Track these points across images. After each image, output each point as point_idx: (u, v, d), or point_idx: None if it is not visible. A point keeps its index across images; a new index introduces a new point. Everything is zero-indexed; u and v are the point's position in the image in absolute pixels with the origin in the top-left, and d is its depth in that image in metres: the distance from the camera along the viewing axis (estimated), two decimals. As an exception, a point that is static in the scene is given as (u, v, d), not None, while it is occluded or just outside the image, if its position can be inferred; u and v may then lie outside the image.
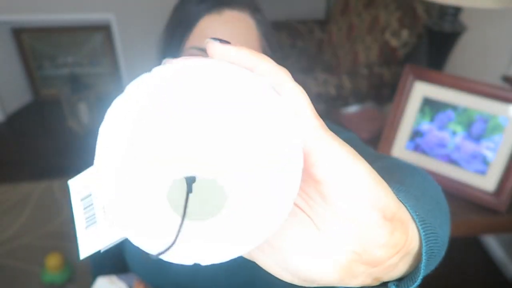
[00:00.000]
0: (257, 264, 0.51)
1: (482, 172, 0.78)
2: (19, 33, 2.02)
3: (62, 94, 2.02)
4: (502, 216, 0.78)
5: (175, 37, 0.48)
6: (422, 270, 0.20)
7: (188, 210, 0.16)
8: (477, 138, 0.78)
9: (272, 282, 0.50)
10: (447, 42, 0.95)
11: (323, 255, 0.18)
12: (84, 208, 0.23)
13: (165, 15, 0.57)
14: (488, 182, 0.78)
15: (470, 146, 0.79)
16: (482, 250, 1.38)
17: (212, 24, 0.46)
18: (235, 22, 0.46)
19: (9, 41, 2.02)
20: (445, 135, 0.82)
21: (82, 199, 0.24)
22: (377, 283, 0.20)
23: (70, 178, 1.69)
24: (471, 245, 1.39)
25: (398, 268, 0.19)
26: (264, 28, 0.49)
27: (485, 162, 0.78)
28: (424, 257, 0.20)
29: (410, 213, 0.20)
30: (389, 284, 0.21)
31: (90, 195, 0.24)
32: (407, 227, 0.19)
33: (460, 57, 1.20)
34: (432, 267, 0.22)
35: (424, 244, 0.20)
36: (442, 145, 0.82)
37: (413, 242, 0.19)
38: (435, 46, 0.97)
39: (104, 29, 2.01)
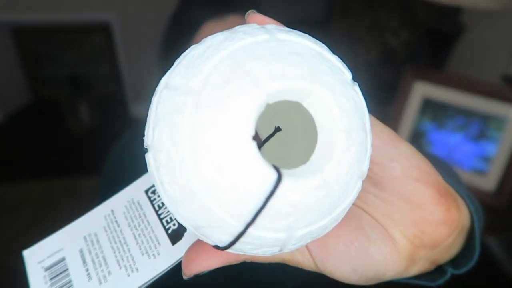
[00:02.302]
0: (260, 266, 0.50)
1: (482, 172, 0.78)
2: (19, 33, 2.01)
3: (62, 94, 2.02)
4: (502, 216, 0.78)
5: (176, 42, 0.48)
6: (477, 246, 0.20)
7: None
8: (477, 138, 0.78)
9: (276, 284, 0.50)
10: (447, 42, 0.95)
11: (388, 248, 0.17)
12: (51, 279, 0.20)
13: (166, 15, 0.57)
14: (488, 182, 0.78)
15: (470, 146, 0.79)
16: (483, 251, 1.37)
17: (215, 29, 0.45)
18: None
19: (9, 41, 2.02)
20: (445, 135, 0.82)
21: (47, 269, 0.21)
22: (433, 267, 0.20)
23: (70, 178, 1.69)
24: (471, 245, 1.39)
25: (453, 247, 0.19)
26: None
27: (485, 162, 0.78)
28: (477, 232, 0.19)
29: (455, 189, 0.19)
30: (445, 268, 0.20)
31: (64, 259, 0.21)
32: (458, 202, 0.18)
33: (460, 57, 1.20)
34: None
35: (476, 219, 0.19)
36: (442, 145, 0.82)
37: (465, 218, 0.19)
38: (435, 46, 0.97)
39: (104, 29, 2.01)
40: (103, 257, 0.20)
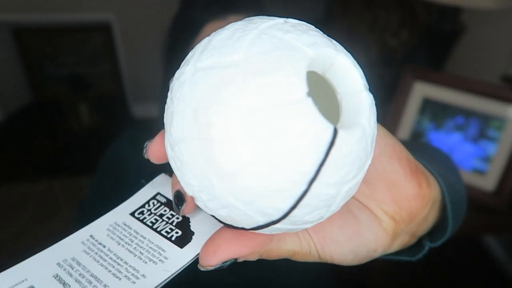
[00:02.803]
0: (266, 264, 0.51)
1: (482, 172, 0.78)
2: (20, 33, 2.02)
3: (63, 94, 2.02)
4: (502, 216, 0.78)
5: (179, 42, 0.48)
6: (449, 220, 0.22)
7: None
8: (477, 138, 0.78)
9: (281, 282, 0.50)
10: (447, 42, 0.95)
11: (375, 227, 0.19)
12: None
13: (166, 15, 0.57)
14: (488, 182, 0.78)
15: (469, 145, 0.79)
16: (482, 250, 1.38)
17: (217, 29, 0.45)
18: None
19: (10, 41, 2.02)
20: (445, 134, 0.82)
21: None
22: (414, 239, 0.22)
23: (70, 177, 1.69)
24: (471, 245, 1.39)
25: (428, 220, 0.21)
26: None
27: (485, 161, 0.78)
28: (449, 206, 0.21)
29: (425, 166, 0.21)
30: (423, 242, 0.23)
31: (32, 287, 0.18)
32: (429, 178, 0.20)
33: (460, 57, 1.20)
34: (458, 222, 0.23)
35: (446, 194, 0.21)
36: (441, 144, 0.82)
37: (436, 193, 0.21)
38: (435, 46, 0.97)
39: (104, 30, 2.01)
40: (92, 275, 0.18)
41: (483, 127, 0.78)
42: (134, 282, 0.17)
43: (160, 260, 0.18)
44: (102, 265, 0.18)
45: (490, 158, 0.77)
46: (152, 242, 0.19)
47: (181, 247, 0.19)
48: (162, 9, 1.84)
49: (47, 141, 1.93)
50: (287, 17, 0.15)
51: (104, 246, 0.19)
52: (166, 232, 0.19)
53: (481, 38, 1.22)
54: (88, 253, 0.19)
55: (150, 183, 0.21)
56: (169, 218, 0.20)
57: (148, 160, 0.18)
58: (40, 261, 0.19)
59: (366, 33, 1.52)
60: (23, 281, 0.18)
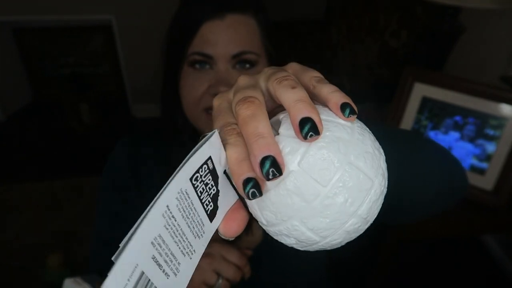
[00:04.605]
0: (274, 268, 0.52)
1: (481, 171, 0.78)
2: (21, 34, 2.02)
3: (63, 94, 2.03)
4: (501, 215, 0.78)
5: (177, 42, 0.48)
6: None
7: None
8: (476, 138, 0.79)
9: (287, 285, 0.51)
10: (447, 42, 0.95)
11: None
12: None
13: (165, 15, 0.58)
14: (487, 181, 0.78)
15: (469, 145, 0.80)
16: (482, 250, 1.38)
17: (214, 29, 0.45)
18: (236, 26, 0.46)
19: (11, 42, 2.03)
20: (444, 134, 0.82)
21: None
22: None
23: (71, 177, 1.67)
24: (471, 245, 1.40)
25: None
26: (267, 28, 0.49)
27: (484, 161, 0.78)
28: None
29: None
30: None
31: (143, 273, 0.19)
32: None
33: (460, 58, 1.20)
34: None
35: None
36: (440, 143, 0.83)
37: None
38: (434, 46, 0.97)
39: (105, 30, 2.02)
40: (172, 254, 0.20)
41: (482, 127, 0.78)
42: (191, 258, 0.21)
43: (201, 234, 0.22)
44: (175, 242, 0.20)
45: (488, 158, 0.78)
46: (199, 215, 0.21)
47: (211, 221, 0.22)
48: (162, 10, 1.84)
49: (47, 141, 1.93)
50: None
51: (176, 220, 0.20)
52: (206, 204, 0.22)
53: (480, 39, 1.23)
54: (167, 229, 0.20)
55: (208, 142, 0.22)
56: (210, 188, 0.22)
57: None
58: (141, 242, 0.19)
59: (365, 34, 1.52)
60: (136, 267, 0.18)
